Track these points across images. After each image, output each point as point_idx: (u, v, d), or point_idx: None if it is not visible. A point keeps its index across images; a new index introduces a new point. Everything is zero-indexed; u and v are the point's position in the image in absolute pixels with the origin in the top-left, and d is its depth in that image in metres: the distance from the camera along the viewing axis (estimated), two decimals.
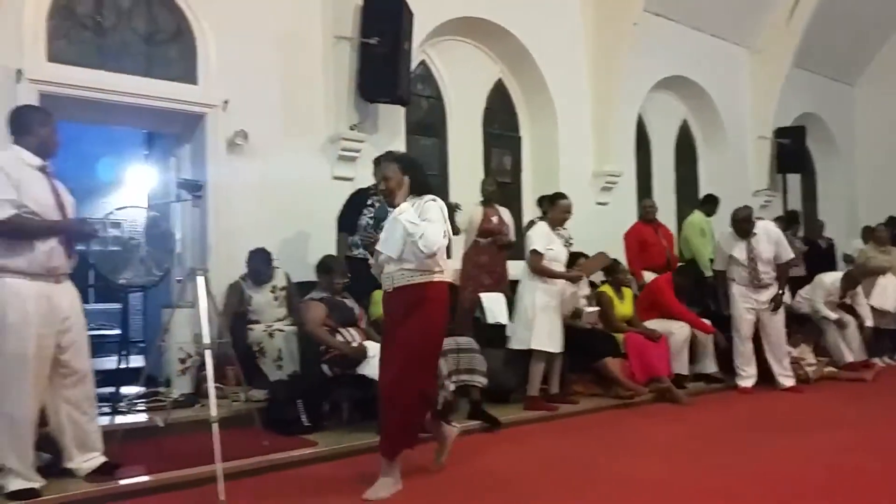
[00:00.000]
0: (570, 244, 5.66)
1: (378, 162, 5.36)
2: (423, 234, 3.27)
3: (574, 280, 5.46)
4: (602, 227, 7.73)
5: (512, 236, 6.29)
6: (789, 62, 9.78)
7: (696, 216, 7.98)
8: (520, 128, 8.06)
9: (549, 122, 7.91)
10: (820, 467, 3.91)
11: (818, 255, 8.94)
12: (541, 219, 5.80)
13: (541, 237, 5.37)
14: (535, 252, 5.31)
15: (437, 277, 3.43)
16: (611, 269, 6.42)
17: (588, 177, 8.11)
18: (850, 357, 7.28)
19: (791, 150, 9.84)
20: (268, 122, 5.79)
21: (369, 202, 5.40)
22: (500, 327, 5.68)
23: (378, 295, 4.98)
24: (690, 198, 9.64)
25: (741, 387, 6.29)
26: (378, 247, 3.46)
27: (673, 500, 3.31)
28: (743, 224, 6.31)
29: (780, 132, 9.88)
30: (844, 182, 11.61)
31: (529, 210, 7.62)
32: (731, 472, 3.78)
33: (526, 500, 3.28)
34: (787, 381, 6.31)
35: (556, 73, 7.80)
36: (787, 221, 8.66)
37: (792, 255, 6.49)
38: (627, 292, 6.42)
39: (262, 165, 5.70)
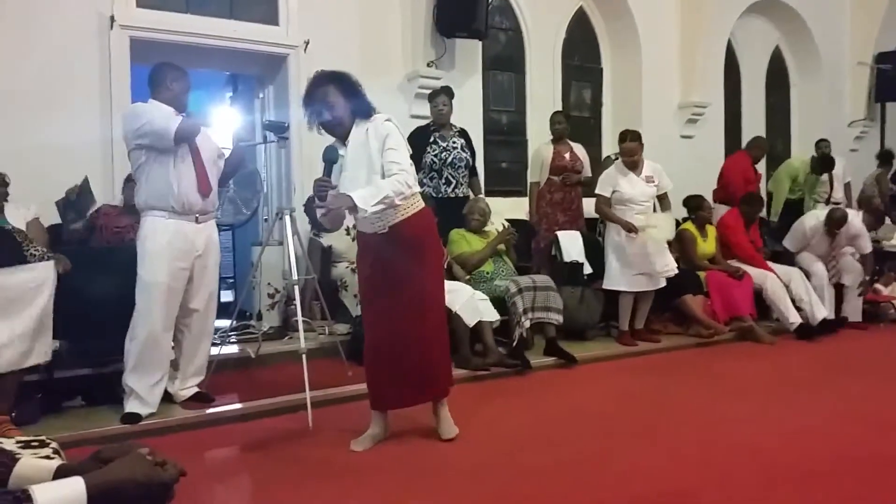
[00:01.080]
0: (652, 182, 5.48)
1: (438, 94, 5.40)
2: (402, 170, 2.94)
3: (628, 230, 5.24)
4: (687, 161, 7.53)
5: (588, 172, 6.20)
6: None
7: (798, 163, 7.66)
8: (601, 59, 7.83)
9: (632, 53, 7.64)
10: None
11: None
12: (617, 156, 5.70)
13: (606, 179, 5.41)
14: (597, 195, 5.38)
15: (420, 201, 3.13)
16: (695, 205, 6.27)
17: (673, 109, 7.86)
18: None
19: (892, 77, 9.18)
20: (347, 61, 5.74)
21: (431, 139, 5.38)
22: (577, 265, 5.69)
23: (457, 234, 5.09)
24: (782, 129, 9.22)
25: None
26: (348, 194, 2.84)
27: (755, 437, 3.31)
28: (834, 227, 6.26)
29: (881, 57, 9.21)
30: None
31: (610, 145, 7.46)
32: (815, 411, 3.75)
33: (602, 437, 3.35)
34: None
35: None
36: (882, 160, 8.24)
37: (870, 249, 6.43)
38: (711, 230, 6.27)
39: None
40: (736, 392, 4.24)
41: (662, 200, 5.56)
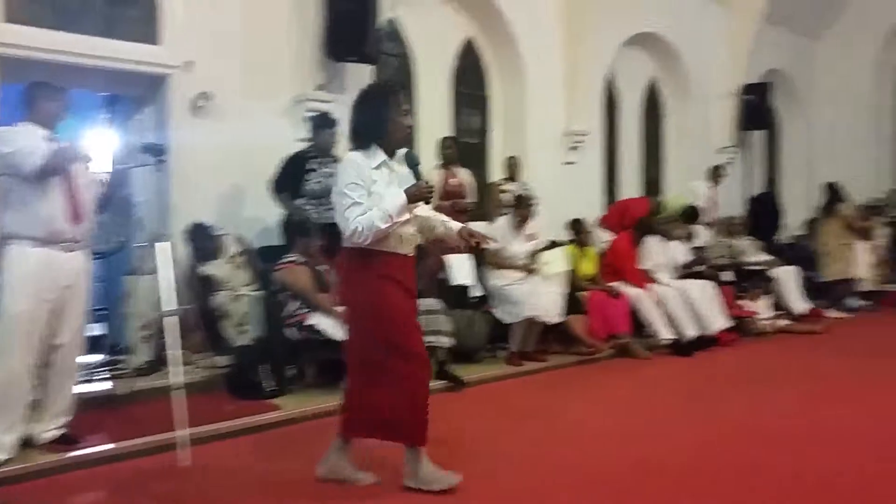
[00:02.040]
0: (532, 238, 5.92)
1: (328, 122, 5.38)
2: None
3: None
4: (569, 186, 7.88)
5: (472, 198, 6.35)
6: (759, 16, 9.81)
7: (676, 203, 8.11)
8: (488, 87, 8.04)
9: (518, 81, 7.89)
10: (774, 417, 4.13)
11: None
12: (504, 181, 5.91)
13: (498, 234, 5.70)
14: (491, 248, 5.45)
15: None
16: (576, 228, 6.54)
17: (558, 136, 8.14)
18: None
19: (755, 107, 9.92)
20: (232, 83, 5.71)
21: (310, 166, 5.27)
22: (464, 288, 5.80)
23: None
24: (656, 156, 9.77)
25: None
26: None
27: (636, 448, 3.49)
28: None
29: (746, 89, 9.95)
30: (806, 139, 11.73)
31: (496, 170, 7.66)
32: (692, 421, 4.02)
33: (494, 456, 3.42)
34: None
35: (526, 31, 7.76)
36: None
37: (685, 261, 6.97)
38: (590, 251, 6.55)
39: (226, 128, 5.62)
40: (613, 405, 4.46)
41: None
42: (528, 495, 2.93)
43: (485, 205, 6.86)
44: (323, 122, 5.40)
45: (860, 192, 10.67)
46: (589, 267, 6.46)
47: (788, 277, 8.03)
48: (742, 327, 7.14)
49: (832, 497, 2.94)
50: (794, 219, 10.30)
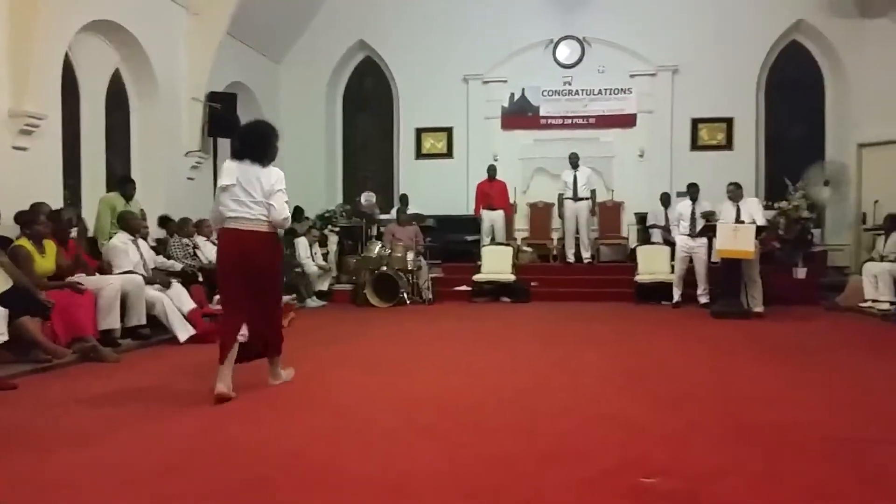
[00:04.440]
0: None
1: None
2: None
3: None
4: (24, 173, 6.94)
5: None
6: (224, 28, 10.20)
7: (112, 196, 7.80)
8: None
9: None
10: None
11: None
12: None
13: None
14: None
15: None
16: (28, 219, 5.75)
17: (3, 117, 7.05)
18: None
19: (222, 116, 10.30)
20: None
21: None
22: None
23: None
24: (122, 150, 9.33)
25: None
26: None
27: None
28: None
29: (213, 96, 10.24)
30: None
31: None
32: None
33: None
34: None
35: None
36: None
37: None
38: (50, 245, 5.85)
39: None
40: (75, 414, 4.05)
41: None
42: None
43: None
44: None
45: (317, 205, 12.14)
46: (48, 262, 5.75)
47: None
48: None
49: None
50: None
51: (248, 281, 4.29)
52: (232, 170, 4.33)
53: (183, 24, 9.91)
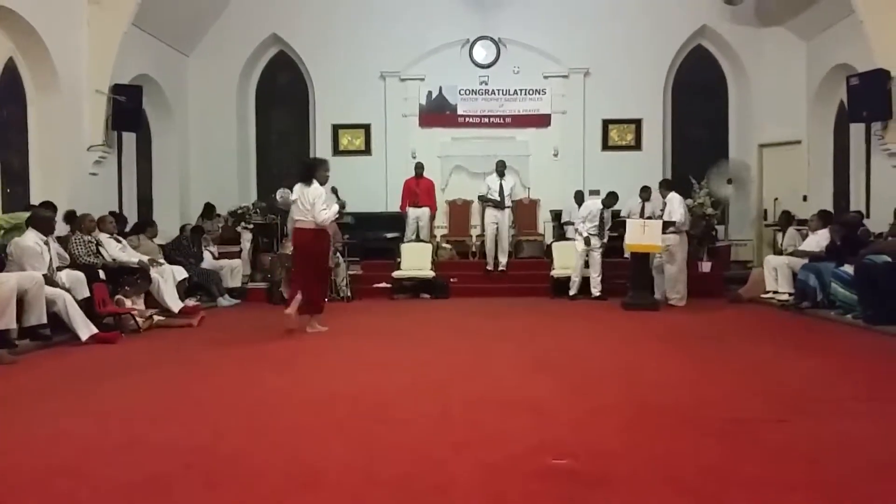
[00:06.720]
0: None
1: None
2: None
3: None
4: None
5: None
6: (129, 19, 9.78)
7: None
8: None
9: None
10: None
11: None
12: None
13: None
14: None
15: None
16: None
17: None
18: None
19: (127, 109, 9.89)
20: None
21: None
22: None
23: None
24: (19, 144, 8.81)
25: None
26: None
27: None
28: None
29: (118, 89, 9.81)
30: (178, 146, 12.28)
31: None
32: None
33: None
34: None
35: None
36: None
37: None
38: None
39: None
40: None
41: None
42: None
43: None
44: None
45: (230, 201, 11.85)
46: None
47: (168, 276, 8.34)
48: (119, 325, 7.03)
49: None
50: (168, 225, 10.67)
51: (302, 259, 6.83)
52: (297, 190, 6.75)
53: (83, 13, 9.44)
